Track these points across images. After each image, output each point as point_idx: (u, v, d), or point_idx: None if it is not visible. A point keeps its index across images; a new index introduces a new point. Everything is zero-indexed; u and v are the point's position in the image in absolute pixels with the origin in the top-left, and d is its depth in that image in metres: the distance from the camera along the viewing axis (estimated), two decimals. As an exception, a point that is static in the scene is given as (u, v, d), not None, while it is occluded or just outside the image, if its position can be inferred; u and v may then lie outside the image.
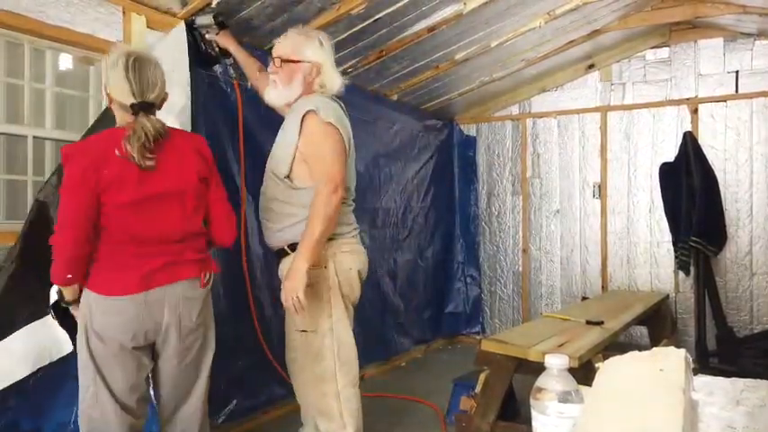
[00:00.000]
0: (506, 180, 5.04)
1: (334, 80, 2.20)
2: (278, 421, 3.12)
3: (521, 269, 4.98)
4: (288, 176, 2.08)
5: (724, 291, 4.16)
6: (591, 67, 4.65)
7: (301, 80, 2.15)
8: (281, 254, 2.12)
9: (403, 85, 4.13)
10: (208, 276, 1.87)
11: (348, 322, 2.14)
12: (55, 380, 2.08)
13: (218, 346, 1.97)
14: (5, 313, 1.95)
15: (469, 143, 5.15)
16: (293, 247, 2.03)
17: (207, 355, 1.90)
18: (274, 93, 2.21)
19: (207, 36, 2.52)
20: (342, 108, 2.18)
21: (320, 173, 2.01)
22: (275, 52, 2.20)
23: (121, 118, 1.77)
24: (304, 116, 2.05)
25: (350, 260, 2.12)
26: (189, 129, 2.33)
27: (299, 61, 2.14)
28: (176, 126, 2.07)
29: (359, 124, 3.90)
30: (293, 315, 2.02)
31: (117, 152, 1.66)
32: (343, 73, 3.59)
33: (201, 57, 2.56)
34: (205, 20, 2.50)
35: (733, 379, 1.15)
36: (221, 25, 2.51)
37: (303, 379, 2.14)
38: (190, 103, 2.39)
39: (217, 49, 2.53)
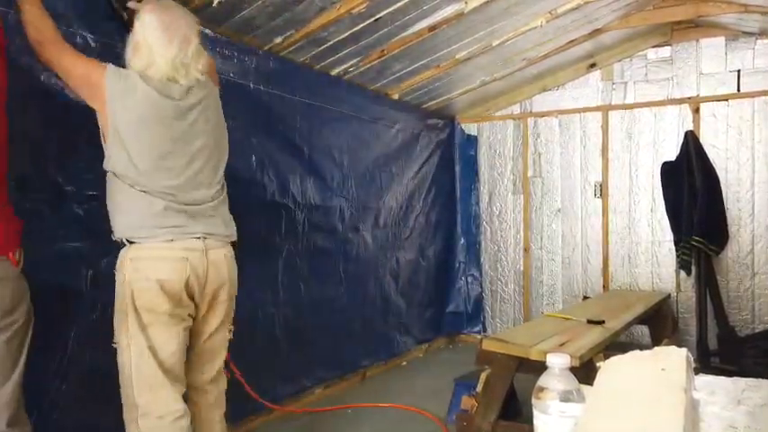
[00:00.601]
0: (508, 179, 5.04)
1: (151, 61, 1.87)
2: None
3: (522, 268, 4.97)
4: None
5: (725, 290, 4.15)
6: (592, 66, 4.65)
7: (131, 48, 1.91)
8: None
9: (404, 85, 4.12)
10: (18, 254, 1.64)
11: (154, 341, 1.83)
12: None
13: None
14: None
15: (470, 143, 5.15)
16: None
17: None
18: None
19: (129, 4, 2.17)
20: (153, 90, 1.85)
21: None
22: None
23: None
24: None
25: (150, 268, 1.82)
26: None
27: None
28: None
29: (360, 124, 3.92)
30: None
31: None
32: (345, 72, 3.63)
33: (113, 16, 2.28)
34: None
35: (734, 378, 1.15)
36: None
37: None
38: None
39: (125, 16, 2.22)
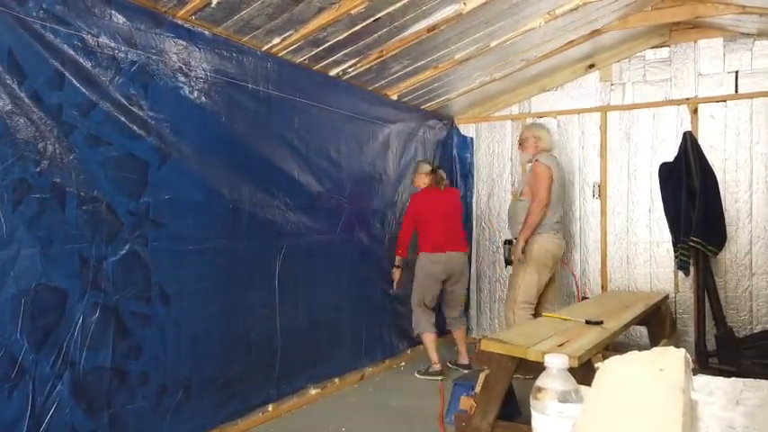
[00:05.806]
0: (506, 180, 5.04)
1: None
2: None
3: (520, 269, 4.96)
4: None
5: (724, 291, 4.16)
6: (591, 67, 4.65)
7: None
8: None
9: (403, 85, 4.12)
10: None
11: None
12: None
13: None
14: None
15: (466, 144, 5.15)
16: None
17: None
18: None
19: None
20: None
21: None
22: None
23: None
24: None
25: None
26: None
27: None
28: None
29: (359, 124, 3.92)
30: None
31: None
32: (343, 73, 3.63)
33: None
34: None
35: (733, 379, 1.15)
36: None
37: None
38: None
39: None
